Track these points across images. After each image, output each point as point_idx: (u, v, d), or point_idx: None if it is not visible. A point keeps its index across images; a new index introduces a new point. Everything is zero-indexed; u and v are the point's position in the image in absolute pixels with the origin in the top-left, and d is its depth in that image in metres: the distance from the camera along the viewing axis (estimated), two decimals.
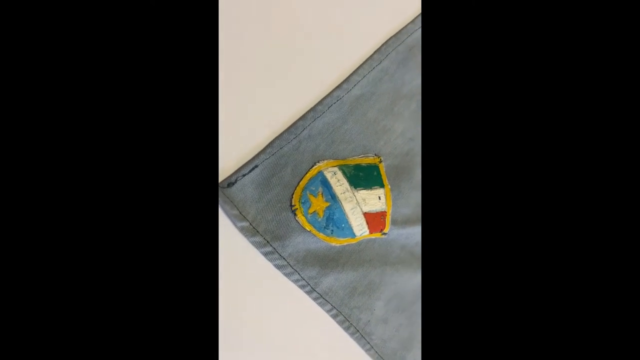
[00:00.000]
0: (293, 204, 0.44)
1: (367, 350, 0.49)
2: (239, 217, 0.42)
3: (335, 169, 0.46)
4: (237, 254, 0.43)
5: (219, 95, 0.42)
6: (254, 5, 0.45)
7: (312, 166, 0.45)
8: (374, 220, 0.47)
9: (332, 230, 0.45)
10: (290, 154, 0.44)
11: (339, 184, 0.45)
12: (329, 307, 0.46)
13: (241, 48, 0.44)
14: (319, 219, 0.44)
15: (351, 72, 0.48)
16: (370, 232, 0.47)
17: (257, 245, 0.43)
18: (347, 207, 0.45)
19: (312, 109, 0.45)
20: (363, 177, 0.47)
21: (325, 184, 0.45)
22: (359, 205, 0.46)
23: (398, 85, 0.50)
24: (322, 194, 0.45)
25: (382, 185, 0.47)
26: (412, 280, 0.51)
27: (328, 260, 0.46)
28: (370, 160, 0.48)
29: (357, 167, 0.47)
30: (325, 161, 0.46)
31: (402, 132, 0.50)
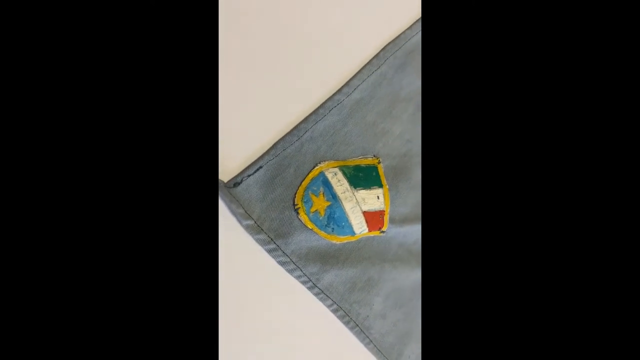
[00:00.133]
0: (296, 203, 0.45)
1: (366, 345, 0.49)
2: (244, 215, 0.42)
3: (336, 169, 0.46)
4: (241, 252, 0.43)
5: (226, 100, 0.43)
6: (259, 13, 0.46)
7: (314, 167, 0.46)
8: (373, 218, 0.47)
9: (333, 229, 0.46)
10: (293, 156, 0.45)
11: (340, 184, 0.46)
12: (329, 302, 0.47)
13: (246, 55, 0.45)
14: (321, 218, 0.45)
15: (351, 76, 0.48)
16: (370, 231, 0.47)
17: (262, 243, 0.44)
18: (347, 206, 0.46)
19: (314, 112, 0.46)
20: (362, 177, 0.47)
21: (326, 184, 0.46)
22: (358, 204, 0.46)
23: (396, 89, 0.50)
24: (323, 193, 0.46)
25: (380, 185, 0.48)
26: (409, 277, 0.51)
27: (329, 257, 0.46)
28: (369, 161, 0.48)
29: (357, 168, 0.47)
30: (326, 162, 0.46)
31: (400, 134, 0.50)
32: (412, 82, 0.51)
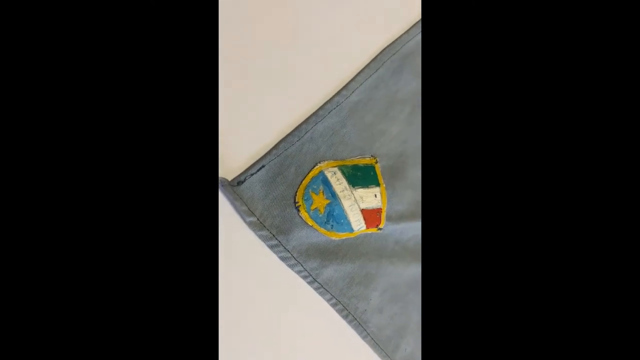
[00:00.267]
0: (297, 201, 0.46)
1: (363, 337, 0.50)
2: (247, 212, 0.43)
3: (335, 169, 0.47)
4: (245, 247, 0.44)
5: (230, 102, 0.44)
6: (261, 21, 0.47)
7: (314, 166, 0.47)
8: (371, 216, 0.48)
9: (332, 225, 0.46)
10: (294, 155, 0.46)
11: (339, 182, 0.47)
12: (329, 296, 0.47)
13: (249, 59, 0.46)
14: (320, 215, 0.46)
15: (350, 79, 0.49)
16: (367, 227, 0.48)
17: (264, 239, 0.44)
18: (346, 204, 0.47)
19: (314, 114, 0.47)
20: (360, 176, 0.48)
21: (326, 182, 0.47)
22: (356, 202, 0.47)
23: (393, 91, 0.51)
24: (323, 192, 0.46)
25: (378, 184, 0.49)
26: (405, 273, 0.52)
27: (328, 253, 0.47)
28: (367, 160, 0.49)
29: (355, 167, 0.48)
30: (326, 162, 0.47)
31: (397, 135, 0.51)
32: (408, 85, 0.52)
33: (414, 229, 0.52)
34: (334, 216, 0.46)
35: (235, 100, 0.45)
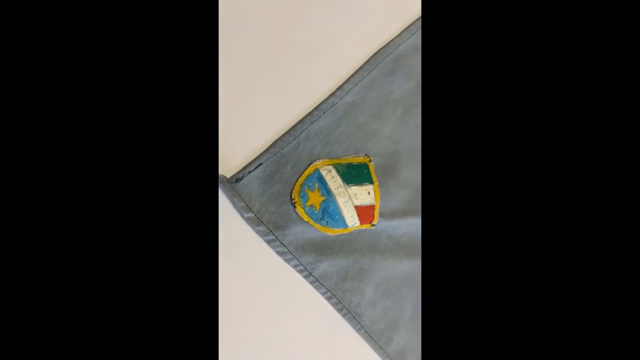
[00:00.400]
0: (293, 197, 0.47)
1: (357, 330, 0.50)
2: (245, 208, 0.45)
3: (330, 167, 0.48)
4: (243, 242, 0.45)
5: (229, 102, 0.45)
6: (257, 25, 0.48)
7: (310, 164, 0.48)
8: (364, 212, 0.49)
9: (327, 221, 0.47)
10: (290, 154, 0.47)
11: (333, 180, 0.48)
12: (324, 290, 0.48)
13: (246, 62, 0.47)
14: (316, 211, 0.47)
15: (344, 80, 0.50)
16: (361, 224, 0.49)
17: (261, 234, 0.45)
18: (341, 200, 0.48)
19: (310, 114, 0.48)
20: (354, 174, 0.49)
21: (321, 180, 0.48)
22: (350, 199, 0.48)
23: (386, 92, 0.52)
24: (318, 189, 0.47)
25: (371, 182, 0.50)
26: (398, 268, 0.52)
27: (323, 248, 0.48)
28: (361, 159, 0.50)
29: (350, 166, 0.49)
30: (321, 160, 0.48)
31: (390, 135, 0.52)
32: (400, 86, 0.53)
33: (406, 226, 0.53)
34: (328, 212, 0.47)
35: (234, 101, 0.46)
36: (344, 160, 0.50)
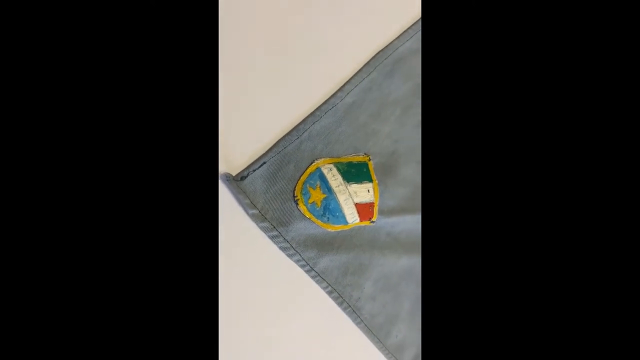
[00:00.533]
0: (295, 195, 0.48)
1: (357, 324, 0.51)
2: (250, 205, 0.46)
3: (331, 165, 0.49)
4: (247, 238, 0.47)
5: (234, 103, 0.46)
6: (261, 29, 0.49)
7: (311, 163, 0.49)
8: (364, 210, 0.50)
9: (328, 218, 0.48)
10: (293, 153, 0.48)
11: (334, 178, 0.49)
12: (325, 284, 0.49)
13: (250, 65, 0.48)
14: (317, 208, 0.48)
15: (344, 82, 0.51)
16: (361, 220, 0.50)
17: (265, 230, 0.47)
18: (341, 198, 0.49)
19: (312, 114, 0.49)
20: (354, 173, 0.50)
21: (323, 178, 0.49)
22: (351, 197, 0.49)
23: (385, 93, 0.53)
24: (319, 187, 0.48)
25: (370, 180, 0.51)
26: (397, 264, 0.53)
27: (325, 244, 0.49)
28: (360, 158, 0.51)
29: (350, 164, 0.50)
30: (323, 159, 0.49)
31: (388, 135, 0.53)
32: (399, 88, 0.54)
33: (404, 223, 0.54)
34: (330, 209, 0.48)
35: (239, 102, 0.47)
36: (344, 159, 0.50)
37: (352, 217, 0.50)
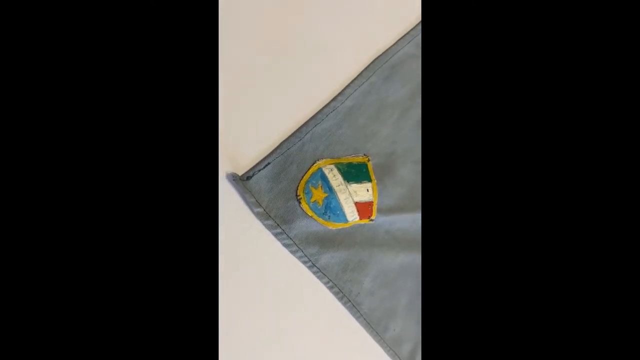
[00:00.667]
0: (298, 194, 0.49)
1: (357, 318, 0.52)
2: (255, 204, 0.47)
3: (332, 166, 0.50)
4: (252, 235, 0.48)
5: (240, 108, 0.47)
6: (265, 35, 0.50)
7: (313, 164, 0.50)
8: (363, 208, 0.51)
9: (329, 216, 0.50)
10: (295, 154, 0.49)
11: (335, 178, 0.50)
12: (326, 279, 0.50)
13: (254, 71, 0.49)
14: (319, 207, 0.49)
15: (345, 86, 0.52)
16: (360, 218, 0.51)
17: (269, 227, 0.48)
18: (342, 197, 0.50)
19: (313, 117, 0.50)
20: (354, 173, 0.51)
21: (324, 178, 0.50)
22: (351, 196, 0.50)
23: (383, 97, 0.54)
24: (321, 186, 0.49)
25: (370, 180, 0.52)
26: (394, 261, 0.54)
27: (326, 241, 0.50)
28: (360, 159, 0.52)
29: (350, 165, 0.51)
30: (324, 160, 0.50)
31: (387, 136, 0.54)
32: (396, 91, 0.55)
33: (402, 221, 0.54)
34: (331, 208, 0.49)
35: (245, 106, 0.48)
36: (344, 160, 0.51)
37: (352, 215, 0.51)
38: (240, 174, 0.47)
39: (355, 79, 0.53)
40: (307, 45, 0.52)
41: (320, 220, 0.50)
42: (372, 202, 0.52)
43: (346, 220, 0.51)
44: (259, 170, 0.48)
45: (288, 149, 0.49)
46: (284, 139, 0.50)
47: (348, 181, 0.50)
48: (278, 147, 0.49)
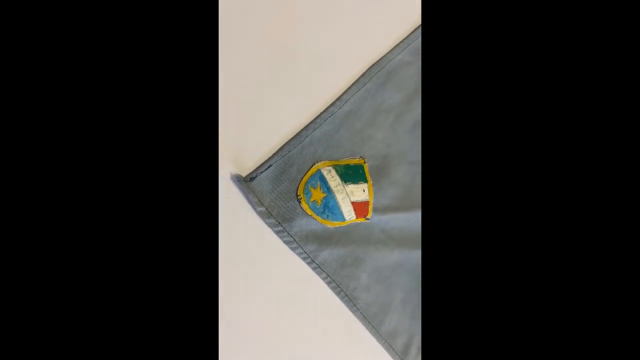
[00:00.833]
0: (298, 194, 0.50)
1: (354, 312, 0.54)
2: (258, 203, 0.49)
3: (330, 167, 0.52)
4: (255, 232, 0.49)
5: (244, 114, 0.48)
6: (267, 44, 0.51)
7: (312, 165, 0.51)
8: (360, 207, 0.52)
9: (328, 215, 0.51)
10: (295, 156, 0.51)
11: (333, 179, 0.51)
12: (324, 275, 0.52)
13: (258, 77, 0.50)
14: (318, 206, 0.51)
15: (342, 92, 0.53)
16: (357, 217, 0.52)
17: (271, 226, 0.49)
18: (339, 197, 0.51)
19: (313, 121, 0.52)
20: (351, 174, 0.52)
21: (322, 179, 0.51)
22: (348, 196, 0.51)
23: (378, 102, 0.56)
24: (320, 187, 0.51)
25: (366, 181, 0.53)
26: (389, 258, 0.56)
27: (324, 239, 0.52)
28: (357, 161, 0.53)
29: (347, 167, 0.52)
30: (322, 162, 0.52)
31: (382, 140, 0.55)
32: (392, 97, 0.56)
33: (396, 220, 0.56)
34: (329, 207, 0.51)
35: (248, 111, 0.49)
36: (342, 162, 0.53)
37: (349, 214, 0.52)
38: (244, 175, 0.49)
39: (352, 85, 0.54)
40: (306, 53, 0.53)
41: (319, 219, 0.51)
42: (368, 201, 0.53)
43: (343, 219, 0.52)
44: (262, 172, 0.49)
45: (289, 152, 0.51)
46: (285, 142, 0.51)
47: (345, 182, 0.52)
48: (279, 150, 0.50)
